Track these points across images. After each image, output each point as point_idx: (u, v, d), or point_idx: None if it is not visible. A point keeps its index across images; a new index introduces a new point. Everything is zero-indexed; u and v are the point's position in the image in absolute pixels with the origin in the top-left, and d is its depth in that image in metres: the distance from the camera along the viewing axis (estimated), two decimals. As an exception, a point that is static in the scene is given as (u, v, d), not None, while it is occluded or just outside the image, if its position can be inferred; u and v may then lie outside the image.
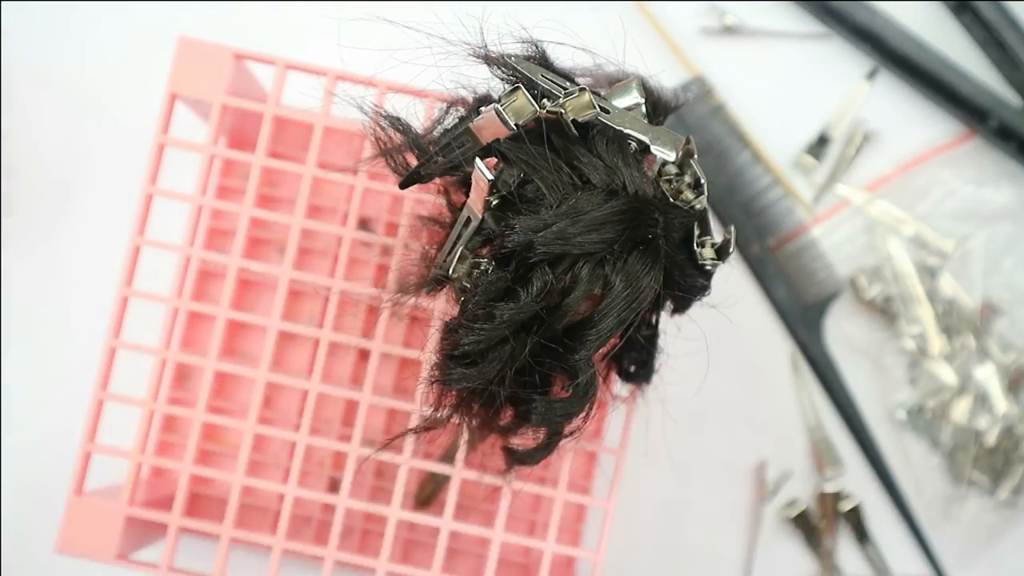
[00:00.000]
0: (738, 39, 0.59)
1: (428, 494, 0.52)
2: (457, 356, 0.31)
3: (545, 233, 0.29)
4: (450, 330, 0.31)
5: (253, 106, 0.43)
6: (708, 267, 0.33)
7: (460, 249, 0.31)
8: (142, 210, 0.43)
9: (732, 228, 0.33)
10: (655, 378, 0.37)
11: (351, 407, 0.52)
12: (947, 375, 0.57)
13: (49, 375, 0.55)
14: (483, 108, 0.30)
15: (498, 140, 0.30)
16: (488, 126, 0.29)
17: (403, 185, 0.33)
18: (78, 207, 0.56)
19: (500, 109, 0.29)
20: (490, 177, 0.29)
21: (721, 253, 0.32)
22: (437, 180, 0.34)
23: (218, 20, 0.56)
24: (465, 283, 0.32)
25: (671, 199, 0.31)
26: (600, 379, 0.34)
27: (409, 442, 0.43)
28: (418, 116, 0.34)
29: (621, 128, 0.30)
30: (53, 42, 0.56)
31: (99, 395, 0.42)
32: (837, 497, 0.57)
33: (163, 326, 0.43)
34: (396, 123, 0.33)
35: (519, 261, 0.29)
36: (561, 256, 0.29)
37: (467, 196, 0.31)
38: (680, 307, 0.35)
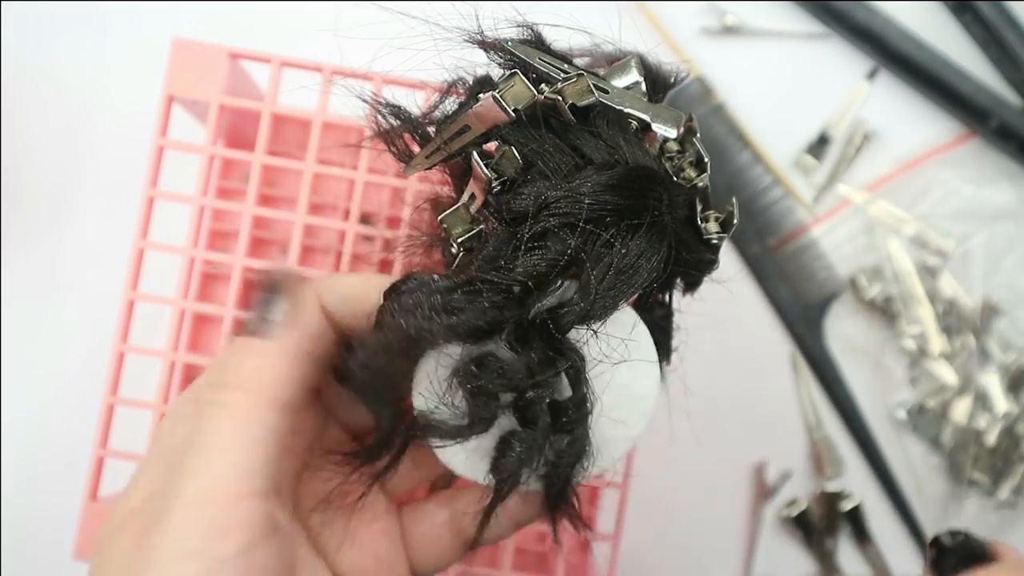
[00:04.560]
0: (738, 39, 0.59)
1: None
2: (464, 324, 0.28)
3: (557, 191, 0.28)
4: (448, 289, 0.29)
5: (250, 104, 0.43)
6: (714, 241, 0.32)
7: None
8: (144, 213, 0.42)
9: (735, 200, 0.33)
10: (674, 358, 0.37)
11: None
12: (947, 375, 0.57)
13: (50, 379, 0.55)
14: (481, 95, 0.30)
15: (498, 126, 0.30)
16: (487, 113, 0.29)
17: (407, 172, 0.33)
18: (78, 208, 0.56)
19: (497, 96, 0.29)
20: (487, 174, 0.29)
21: (726, 226, 0.32)
22: (440, 167, 0.33)
23: (223, 20, 0.57)
24: (459, 244, 0.31)
25: (673, 176, 0.31)
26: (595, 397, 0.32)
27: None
28: (417, 104, 0.34)
29: (621, 108, 0.29)
30: (53, 42, 0.56)
31: (110, 400, 0.42)
32: (837, 497, 0.57)
33: (170, 328, 0.43)
34: (396, 110, 0.33)
35: (530, 224, 0.29)
36: (573, 222, 0.28)
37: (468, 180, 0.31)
38: (691, 285, 0.34)
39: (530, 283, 0.28)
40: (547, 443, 0.30)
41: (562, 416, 0.30)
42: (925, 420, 0.57)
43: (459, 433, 0.29)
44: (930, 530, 0.57)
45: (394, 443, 0.31)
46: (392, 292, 0.30)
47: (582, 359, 0.30)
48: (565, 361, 0.29)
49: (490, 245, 0.29)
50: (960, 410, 0.57)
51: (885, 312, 0.58)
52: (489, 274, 0.28)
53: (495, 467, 0.31)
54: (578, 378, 0.30)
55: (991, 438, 0.57)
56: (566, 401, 0.30)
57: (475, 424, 0.29)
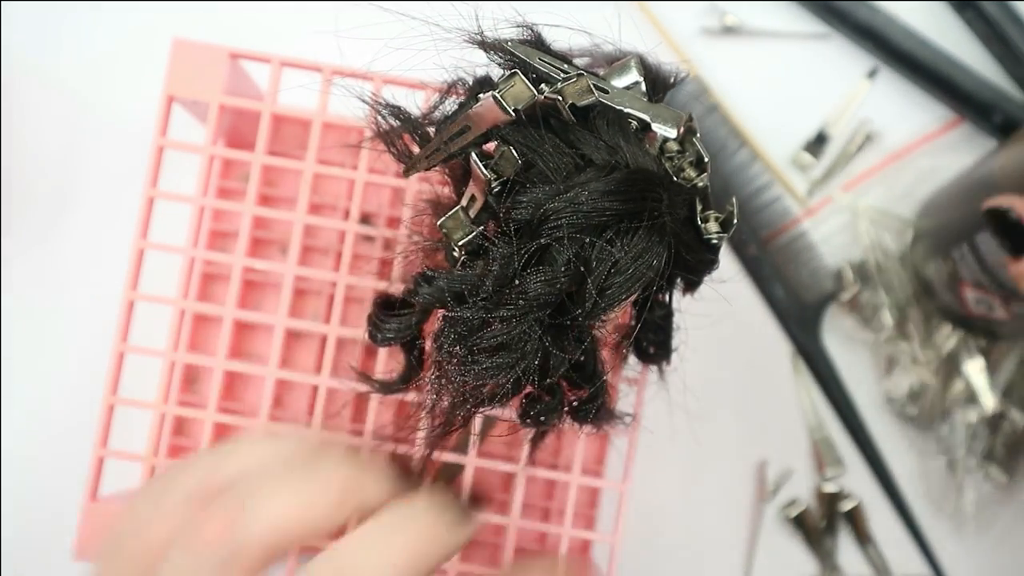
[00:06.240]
0: (738, 39, 0.59)
1: (444, 476, 0.52)
2: (481, 345, 0.29)
3: (557, 203, 0.28)
4: (455, 321, 0.30)
5: (250, 104, 0.43)
6: (714, 241, 0.32)
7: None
8: (144, 213, 0.42)
9: (735, 200, 0.33)
10: (674, 357, 0.38)
11: (360, 403, 0.52)
12: (943, 370, 0.57)
13: (50, 380, 0.55)
14: (481, 95, 0.30)
15: (498, 127, 0.30)
16: (487, 113, 0.29)
17: (407, 173, 0.33)
18: (78, 208, 0.56)
19: (497, 96, 0.29)
20: (486, 175, 0.29)
21: (726, 226, 0.32)
22: (440, 168, 0.33)
23: (223, 20, 0.57)
24: (458, 249, 0.31)
25: (673, 177, 0.31)
26: (607, 362, 0.34)
27: (421, 433, 0.43)
28: (417, 104, 0.34)
29: (621, 108, 0.29)
30: (53, 42, 0.56)
31: (110, 400, 0.42)
32: (837, 497, 0.57)
33: (170, 328, 0.43)
34: (396, 111, 0.33)
35: (531, 236, 0.29)
36: (574, 233, 0.29)
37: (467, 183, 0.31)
38: (691, 285, 0.35)
39: (539, 303, 0.29)
40: (564, 405, 0.33)
41: (578, 381, 0.33)
42: (924, 419, 0.57)
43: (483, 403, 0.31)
44: (930, 530, 0.57)
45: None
46: (416, 285, 0.31)
47: (592, 343, 0.31)
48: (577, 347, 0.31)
49: (495, 264, 0.29)
50: (959, 407, 0.57)
51: (881, 311, 0.58)
52: (503, 307, 0.29)
53: (521, 420, 0.34)
54: (588, 358, 0.32)
55: (989, 437, 0.57)
56: (579, 373, 0.32)
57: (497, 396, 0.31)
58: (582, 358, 0.31)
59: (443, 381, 0.31)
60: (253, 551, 0.28)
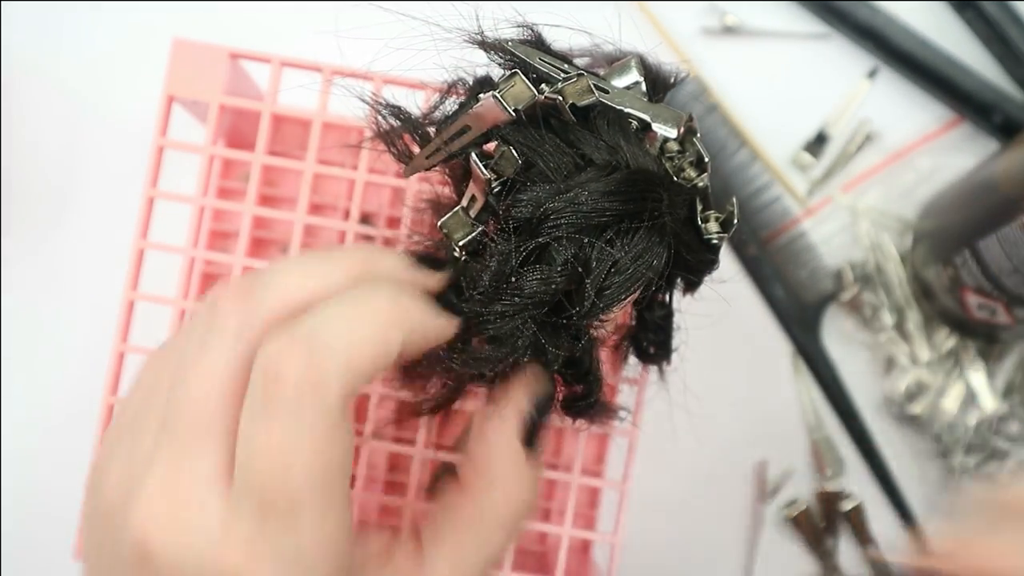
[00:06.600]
0: (738, 39, 0.59)
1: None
2: (474, 337, 0.30)
3: (557, 202, 0.29)
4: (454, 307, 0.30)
5: (250, 104, 0.43)
6: (714, 241, 0.32)
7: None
8: (144, 213, 0.42)
9: (735, 200, 0.33)
10: (674, 357, 0.38)
11: (361, 402, 0.52)
12: (942, 370, 0.57)
13: (50, 380, 0.55)
14: (481, 95, 0.30)
15: (498, 126, 0.30)
16: (487, 113, 0.29)
17: (408, 174, 0.33)
18: (78, 208, 0.56)
19: (498, 96, 0.29)
20: (486, 175, 0.29)
21: (726, 226, 0.32)
22: (440, 168, 0.33)
23: (223, 20, 0.57)
24: (460, 248, 0.31)
25: (674, 177, 0.31)
26: (603, 362, 0.34)
27: (422, 433, 0.43)
28: (417, 104, 0.34)
29: (621, 108, 0.29)
30: (53, 42, 0.56)
31: (110, 400, 0.42)
32: (837, 497, 0.57)
33: (171, 328, 0.43)
34: (396, 111, 0.33)
35: (530, 234, 0.29)
36: (573, 233, 0.29)
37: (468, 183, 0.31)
38: (691, 286, 0.35)
39: (534, 301, 0.29)
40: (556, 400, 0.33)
41: (571, 378, 0.33)
42: (923, 418, 0.57)
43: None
44: (929, 528, 0.57)
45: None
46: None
47: (588, 342, 0.31)
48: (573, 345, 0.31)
49: (493, 260, 0.29)
50: (957, 407, 0.57)
51: (880, 311, 0.58)
52: (499, 303, 0.29)
53: None
54: (584, 356, 0.32)
55: (986, 435, 0.57)
56: (574, 370, 0.33)
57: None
58: (578, 356, 0.32)
59: (433, 364, 0.31)
60: (332, 390, 0.25)
